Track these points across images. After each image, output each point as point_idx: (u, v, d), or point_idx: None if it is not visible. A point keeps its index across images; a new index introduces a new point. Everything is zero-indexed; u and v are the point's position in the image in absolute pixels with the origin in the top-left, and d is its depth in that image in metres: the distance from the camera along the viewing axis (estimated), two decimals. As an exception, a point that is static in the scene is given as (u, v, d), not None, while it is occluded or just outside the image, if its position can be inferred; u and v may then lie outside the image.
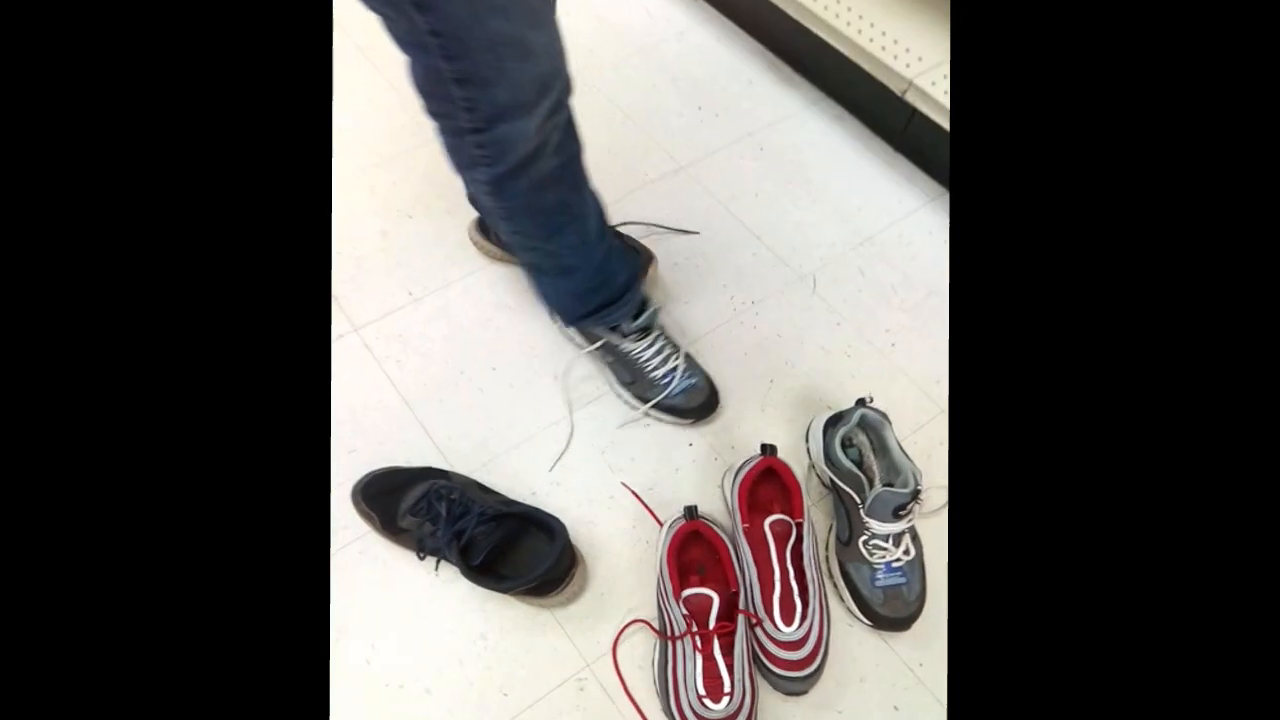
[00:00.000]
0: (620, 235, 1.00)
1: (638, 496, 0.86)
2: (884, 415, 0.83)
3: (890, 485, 0.77)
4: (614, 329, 0.88)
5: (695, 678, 0.70)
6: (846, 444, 0.84)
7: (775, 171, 1.13)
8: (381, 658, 0.77)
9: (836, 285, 1.02)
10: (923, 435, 0.91)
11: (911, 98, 1.02)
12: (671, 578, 0.74)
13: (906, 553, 0.77)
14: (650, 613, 0.79)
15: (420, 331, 0.98)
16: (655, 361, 0.88)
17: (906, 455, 0.81)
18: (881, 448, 0.83)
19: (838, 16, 1.07)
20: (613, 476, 0.88)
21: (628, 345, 0.88)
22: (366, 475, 0.84)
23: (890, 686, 0.77)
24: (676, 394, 0.88)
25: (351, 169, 1.12)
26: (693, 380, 0.89)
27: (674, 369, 0.88)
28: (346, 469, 0.87)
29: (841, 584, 0.79)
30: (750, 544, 0.77)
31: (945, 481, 0.87)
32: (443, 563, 0.80)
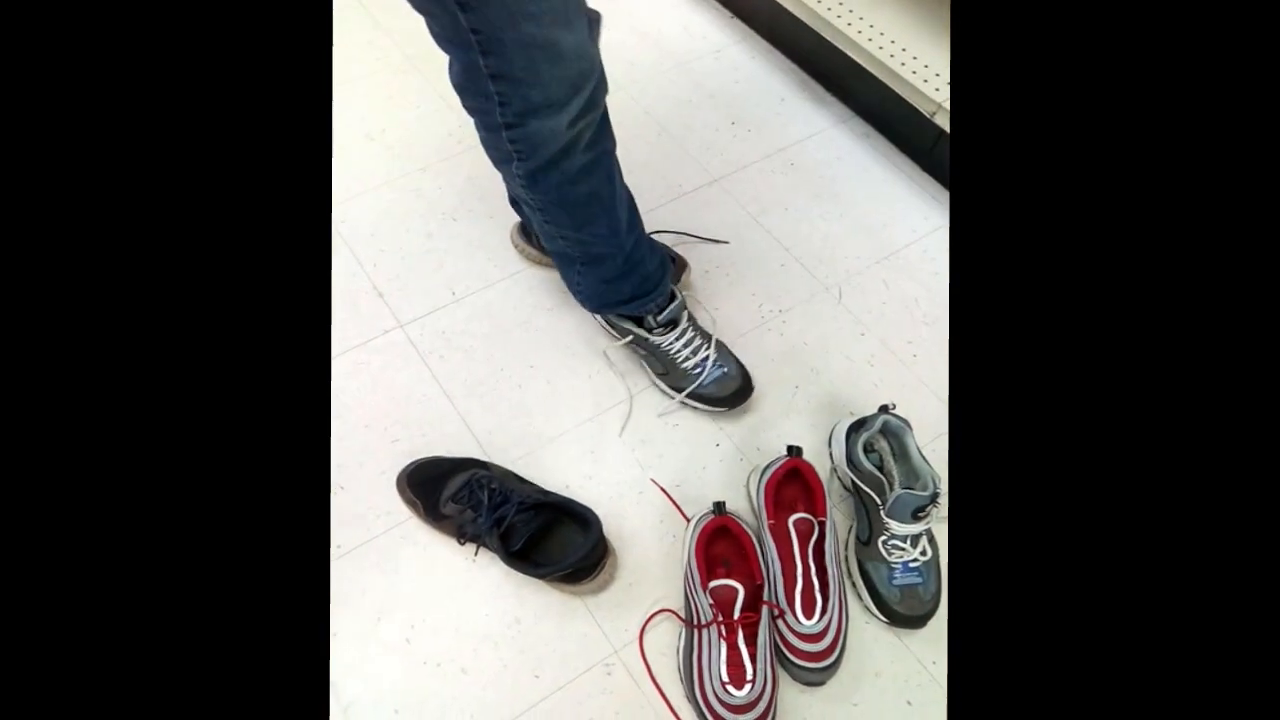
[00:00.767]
0: (655, 242, 1.04)
1: (666, 493, 0.90)
2: (905, 422, 0.87)
3: (910, 489, 0.80)
4: (640, 323, 0.91)
5: (719, 665, 0.74)
6: (868, 449, 0.88)
7: (805, 186, 1.18)
8: (421, 637, 0.82)
9: (861, 296, 1.06)
10: (941, 443, 0.94)
11: (939, 119, 1.06)
12: (700, 568, 0.78)
13: (924, 553, 0.81)
14: (675, 603, 0.83)
15: (462, 329, 1.03)
16: (685, 353, 0.91)
17: (926, 461, 0.84)
18: (902, 453, 0.86)
19: (870, 40, 1.11)
20: (642, 473, 0.92)
21: (655, 338, 0.91)
22: (410, 464, 0.89)
23: (904, 683, 0.80)
24: (709, 383, 0.91)
25: (400, 173, 1.18)
26: (724, 369, 0.92)
27: (705, 359, 0.91)
28: (390, 458, 0.92)
29: (860, 582, 0.82)
30: (775, 540, 0.80)
31: (963, 489, 0.90)
32: (481, 549, 0.85)
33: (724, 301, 1.05)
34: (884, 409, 0.87)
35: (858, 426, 0.88)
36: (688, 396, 0.92)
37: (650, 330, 0.91)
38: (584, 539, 0.78)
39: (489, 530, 0.80)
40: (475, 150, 1.21)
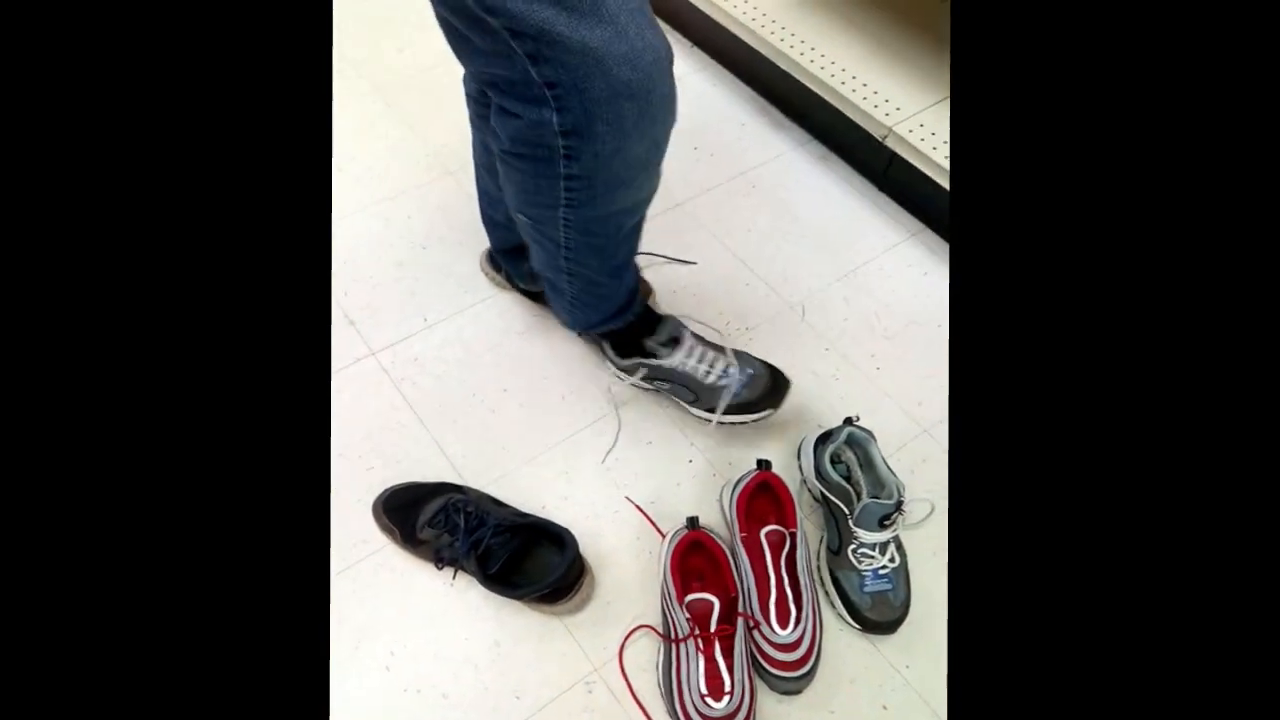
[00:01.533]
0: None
1: (641, 510, 0.91)
2: (870, 433, 0.90)
3: (876, 498, 0.83)
4: (647, 353, 0.88)
5: (698, 678, 0.75)
6: (835, 460, 0.91)
7: (766, 208, 1.22)
8: (400, 663, 0.82)
9: (824, 314, 1.10)
10: (905, 452, 0.97)
11: (891, 143, 1.11)
12: (675, 583, 0.79)
13: (892, 560, 0.83)
14: (654, 619, 0.84)
15: (435, 355, 1.04)
16: (703, 368, 0.88)
17: (891, 470, 0.87)
18: (868, 463, 0.89)
19: (823, 69, 1.17)
20: (617, 492, 0.93)
21: (668, 361, 0.89)
22: (386, 490, 0.89)
23: (879, 687, 0.82)
24: (740, 390, 0.88)
25: (369, 202, 1.19)
26: (750, 371, 0.89)
27: (726, 368, 0.88)
28: (365, 485, 0.92)
29: (832, 590, 0.85)
30: (748, 552, 0.82)
31: (927, 494, 0.93)
32: (459, 573, 0.85)
33: (692, 322, 1.07)
34: (848, 421, 0.91)
35: (824, 439, 0.91)
36: (725, 413, 0.88)
37: (656, 355, 0.89)
38: (561, 559, 0.79)
39: (466, 553, 0.80)
40: (444, 178, 1.23)
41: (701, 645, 0.76)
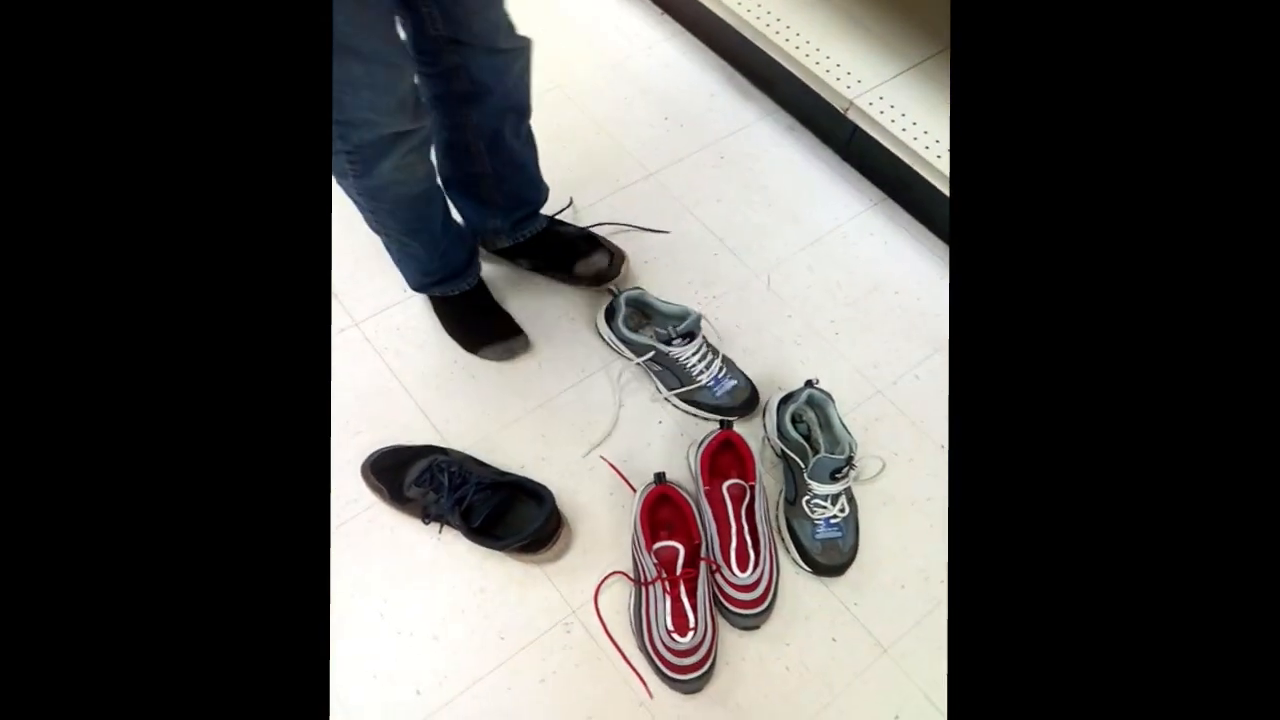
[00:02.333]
0: (595, 236, 1.12)
1: (614, 468, 0.98)
2: (828, 395, 0.97)
3: (831, 454, 0.90)
4: (664, 339, 0.98)
5: (665, 616, 0.83)
6: (797, 420, 0.98)
7: (735, 177, 1.26)
8: (393, 610, 0.89)
9: (788, 282, 1.16)
10: (860, 412, 1.04)
11: (852, 115, 1.15)
12: (645, 533, 0.87)
13: (842, 510, 0.91)
14: (626, 566, 0.92)
15: (415, 325, 1.08)
16: (700, 366, 0.98)
17: (846, 429, 0.94)
18: (826, 423, 0.96)
19: (788, 41, 1.20)
20: (592, 451, 1.00)
21: (674, 350, 0.98)
22: (374, 453, 0.95)
23: (830, 623, 0.91)
24: (722, 395, 0.99)
25: (347, 175, 1.22)
26: (735, 382, 1.00)
27: (716, 372, 0.99)
28: (354, 449, 0.98)
29: (788, 537, 0.93)
30: (710, 504, 0.90)
31: (880, 451, 1.01)
32: (445, 528, 0.92)
33: (663, 290, 1.13)
34: (809, 384, 0.97)
35: (786, 400, 0.98)
36: (704, 409, 0.99)
37: (669, 343, 0.97)
38: (539, 512, 0.86)
39: (451, 509, 0.87)
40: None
41: (668, 587, 0.84)
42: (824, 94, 1.17)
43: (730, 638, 0.88)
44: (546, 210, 1.10)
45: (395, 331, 1.08)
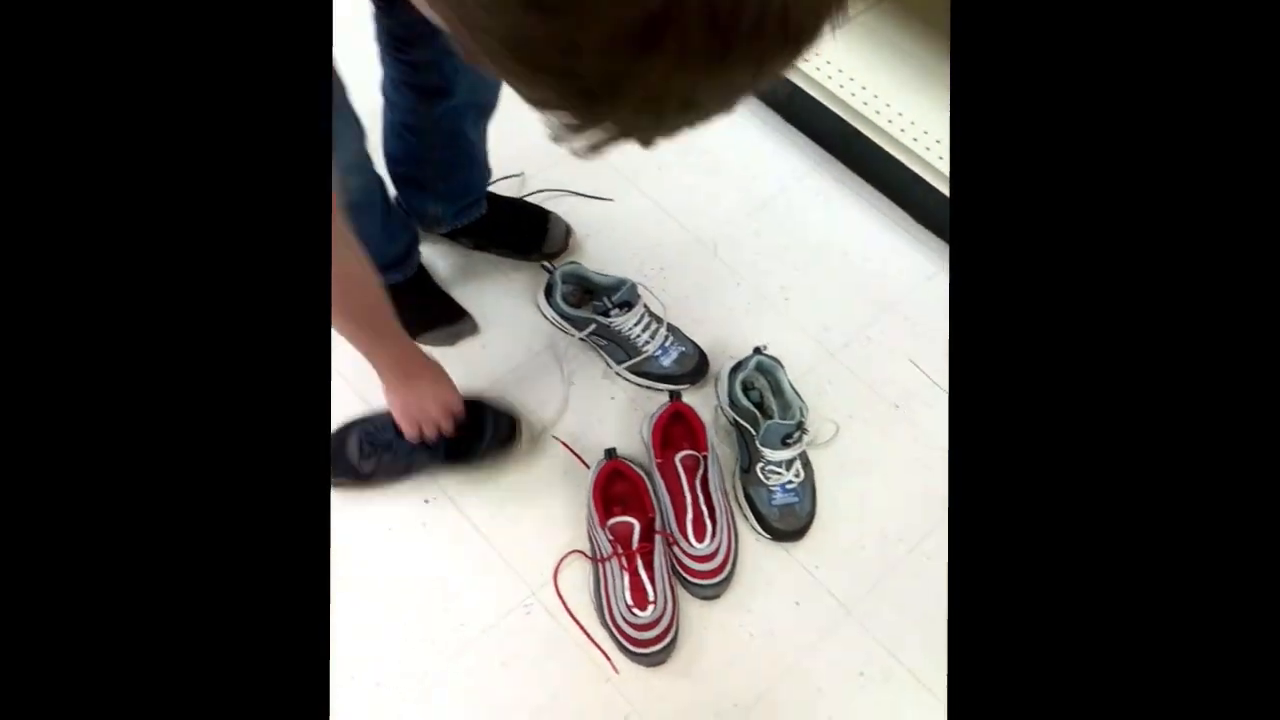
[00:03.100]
0: (538, 210, 1.09)
1: (567, 446, 0.97)
2: (777, 360, 0.96)
3: (781, 420, 0.90)
4: (600, 311, 0.96)
5: (624, 592, 0.83)
6: (749, 387, 0.97)
7: (675, 144, 1.23)
8: (350, 604, 0.87)
9: (735, 248, 1.14)
10: (813, 375, 1.04)
11: (794, 77, 1.14)
12: (598, 509, 0.86)
13: (797, 475, 0.91)
14: (584, 545, 0.91)
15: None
16: (645, 336, 0.97)
17: (798, 394, 0.94)
18: (777, 389, 0.96)
19: None
20: (545, 432, 0.98)
21: (614, 321, 0.96)
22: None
23: (793, 587, 0.91)
24: (670, 364, 0.98)
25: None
26: (682, 349, 0.99)
27: (663, 341, 0.97)
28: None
29: (745, 505, 0.92)
30: (664, 476, 0.89)
31: (834, 415, 1.01)
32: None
33: (608, 264, 1.10)
34: (757, 350, 0.97)
35: (736, 368, 0.97)
36: (658, 380, 0.98)
37: (607, 314, 0.96)
38: (488, 413, 0.87)
39: (412, 454, 0.86)
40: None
41: (624, 563, 0.83)
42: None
43: (693, 608, 0.88)
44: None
45: (335, 321, 1.04)
